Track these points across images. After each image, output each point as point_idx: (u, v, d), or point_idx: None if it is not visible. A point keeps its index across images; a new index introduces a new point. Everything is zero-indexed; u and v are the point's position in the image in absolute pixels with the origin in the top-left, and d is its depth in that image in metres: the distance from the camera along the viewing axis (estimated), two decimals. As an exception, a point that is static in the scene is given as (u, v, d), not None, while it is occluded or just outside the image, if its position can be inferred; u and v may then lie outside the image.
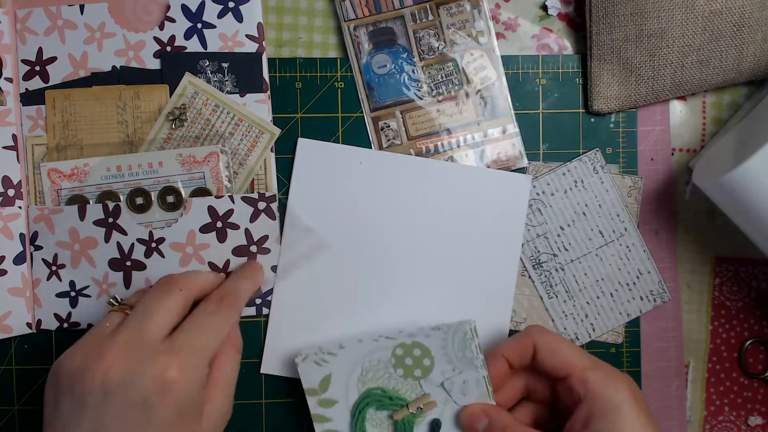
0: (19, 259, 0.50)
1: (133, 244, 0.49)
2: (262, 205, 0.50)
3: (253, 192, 0.50)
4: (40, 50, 0.50)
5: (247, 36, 0.50)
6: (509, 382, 0.46)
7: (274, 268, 0.50)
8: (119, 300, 0.44)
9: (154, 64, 0.50)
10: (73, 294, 0.50)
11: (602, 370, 0.41)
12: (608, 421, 0.38)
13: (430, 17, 0.51)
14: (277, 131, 0.50)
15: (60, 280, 0.50)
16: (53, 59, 0.50)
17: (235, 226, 0.50)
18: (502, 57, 0.51)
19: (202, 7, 0.50)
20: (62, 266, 0.50)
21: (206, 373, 0.40)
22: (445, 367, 0.45)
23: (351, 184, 0.50)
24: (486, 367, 0.44)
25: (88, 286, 0.50)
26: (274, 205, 0.50)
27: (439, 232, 0.50)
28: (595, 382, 0.40)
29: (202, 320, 0.41)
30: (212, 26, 0.50)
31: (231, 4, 0.50)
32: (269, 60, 0.51)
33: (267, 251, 0.50)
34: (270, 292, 0.50)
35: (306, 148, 0.51)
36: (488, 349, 0.46)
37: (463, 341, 0.45)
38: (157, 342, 0.39)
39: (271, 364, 0.51)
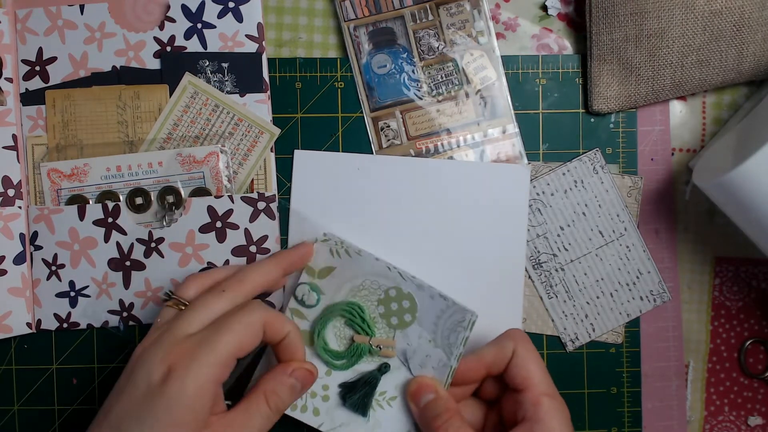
0: (19, 259, 0.50)
1: (132, 244, 0.50)
2: (261, 205, 0.50)
3: (252, 192, 0.50)
4: (40, 50, 0.50)
5: (247, 36, 0.50)
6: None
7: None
8: (171, 293, 0.43)
9: (154, 64, 0.50)
10: (72, 294, 0.50)
11: (556, 400, 0.42)
12: None
13: (430, 17, 0.51)
14: (277, 131, 0.50)
15: (60, 280, 0.50)
16: (53, 59, 0.50)
17: (235, 226, 0.50)
18: (502, 57, 0.51)
19: (202, 7, 0.50)
20: (62, 266, 0.50)
21: (215, 375, 0.37)
22: (424, 334, 0.45)
23: (350, 190, 0.50)
24: (457, 362, 0.44)
25: (88, 286, 0.50)
26: (274, 205, 0.50)
27: (442, 232, 0.50)
28: (546, 408, 0.41)
29: (221, 319, 0.40)
30: (212, 26, 0.50)
31: (231, 4, 0.50)
32: (269, 60, 0.51)
33: (266, 251, 0.50)
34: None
35: (303, 159, 0.51)
36: (472, 350, 0.45)
37: (456, 325, 0.45)
38: (182, 335, 0.39)
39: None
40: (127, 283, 0.50)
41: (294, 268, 0.47)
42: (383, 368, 0.46)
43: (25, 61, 0.50)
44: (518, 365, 0.43)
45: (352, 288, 0.47)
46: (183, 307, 0.41)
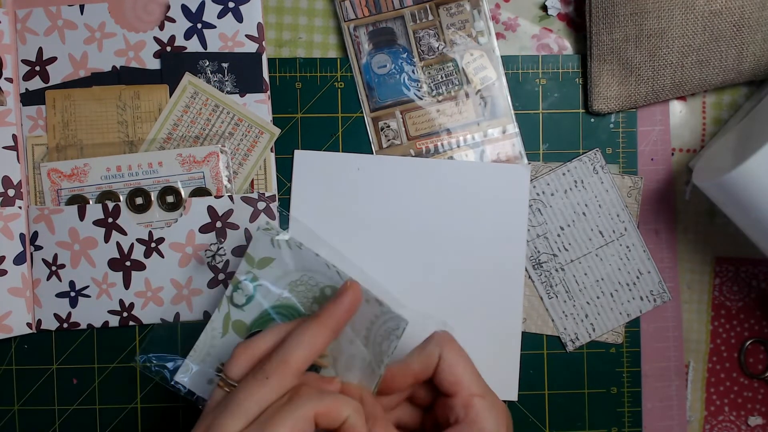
0: (19, 259, 0.50)
1: (132, 244, 0.50)
2: (261, 205, 0.50)
3: (252, 192, 0.50)
4: (40, 50, 0.50)
5: (247, 36, 0.50)
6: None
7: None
8: (221, 369, 0.40)
9: (154, 64, 0.50)
10: (73, 294, 0.50)
11: (488, 399, 0.41)
12: None
13: (430, 17, 0.51)
14: (277, 131, 0.50)
15: (60, 280, 0.50)
16: (53, 59, 0.50)
17: (235, 226, 0.50)
18: (502, 57, 0.51)
19: (202, 7, 0.50)
20: (62, 266, 0.50)
21: None
22: (356, 338, 0.43)
23: (351, 190, 0.50)
24: (384, 369, 0.42)
25: (88, 286, 0.50)
26: (274, 205, 0.50)
27: (442, 232, 0.50)
28: (477, 409, 0.40)
29: (266, 416, 0.37)
30: (212, 26, 0.50)
31: (231, 4, 0.50)
32: (269, 60, 0.51)
33: (267, 251, 0.50)
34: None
35: (303, 159, 0.51)
36: (399, 359, 0.42)
37: (388, 333, 0.43)
38: None
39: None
40: (127, 283, 0.50)
41: (345, 323, 0.42)
42: (312, 369, 0.43)
43: (25, 61, 0.50)
44: (445, 370, 0.41)
45: (290, 282, 0.46)
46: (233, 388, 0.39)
